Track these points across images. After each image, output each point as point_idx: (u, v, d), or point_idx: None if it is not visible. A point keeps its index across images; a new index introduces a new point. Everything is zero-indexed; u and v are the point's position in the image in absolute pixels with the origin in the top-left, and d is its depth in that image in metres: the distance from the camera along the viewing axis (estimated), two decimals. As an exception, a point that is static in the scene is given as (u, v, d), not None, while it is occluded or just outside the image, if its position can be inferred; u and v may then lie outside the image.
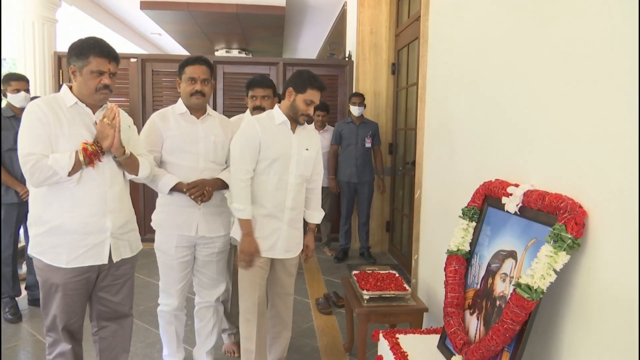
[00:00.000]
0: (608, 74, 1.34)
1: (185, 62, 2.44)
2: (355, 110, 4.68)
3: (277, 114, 2.36)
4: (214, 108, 5.51)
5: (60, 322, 2.00)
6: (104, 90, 1.95)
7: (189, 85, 2.40)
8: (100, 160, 1.94)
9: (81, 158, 1.87)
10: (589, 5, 1.43)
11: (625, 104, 1.26)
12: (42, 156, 1.83)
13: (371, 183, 4.85)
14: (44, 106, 1.88)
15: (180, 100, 2.48)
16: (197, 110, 2.47)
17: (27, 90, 3.55)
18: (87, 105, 1.98)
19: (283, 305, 2.59)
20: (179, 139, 2.42)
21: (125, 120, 2.12)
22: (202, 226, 2.46)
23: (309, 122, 2.50)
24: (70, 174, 1.87)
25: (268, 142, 2.30)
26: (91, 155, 1.90)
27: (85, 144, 1.89)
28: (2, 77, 3.52)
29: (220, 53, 10.25)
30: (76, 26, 6.98)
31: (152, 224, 2.51)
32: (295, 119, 2.35)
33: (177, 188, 2.37)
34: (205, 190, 2.37)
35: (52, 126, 1.87)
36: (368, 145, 4.74)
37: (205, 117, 2.50)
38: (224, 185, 2.46)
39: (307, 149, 2.40)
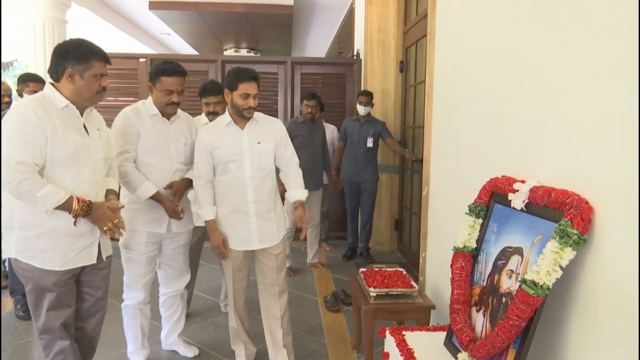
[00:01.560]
0: (615, 69, 1.33)
1: (161, 72, 2.42)
2: (361, 109, 4.65)
3: (224, 117, 2.51)
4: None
5: (57, 320, 1.98)
6: (103, 92, 2.00)
7: (165, 96, 2.44)
8: (82, 217, 1.93)
9: (75, 207, 1.88)
10: (594, 4, 1.42)
11: (632, 99, 1.25)
12: (34, 169, 1.80)
13: (373, 183, 4.79)
14: (39, 110, 1.83)
15: (150, 100, 2.50)
16: (169, 113, 2.54)
17: None
18: (76, 108, 1.97)
19: (269, 296, 2.64)
20: (153, 139, 2.47)
21: (98, 121, 2.13)
22: (174, 223, 2.57)
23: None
24: (47, 211, 1.85)
25: (218, 146, 2.45)
26: (82, 211, 1.90)
27: (84, 201, 1.90)
28: (19, 78, 3.57)
29: (229, 52, 10.29)
30: (85, 26, 7.05)
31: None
32: (242, 116, 2.45)
33: (155, 197, 2.44)
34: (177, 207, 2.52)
35: (48, 131, 1.83)
36: (370, 145, 4.67)
37: (175, 118, 2.57)
38: (191, 184, 2.57)
39: (259, 142, 2.49)
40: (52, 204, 1.83)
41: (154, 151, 2.47)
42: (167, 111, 2.49)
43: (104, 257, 2.12)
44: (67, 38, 5.48)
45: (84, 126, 2.00)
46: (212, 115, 3.04)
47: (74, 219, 1.92)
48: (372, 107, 4.74)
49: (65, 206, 1.86)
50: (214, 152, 2.45)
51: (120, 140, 2.40)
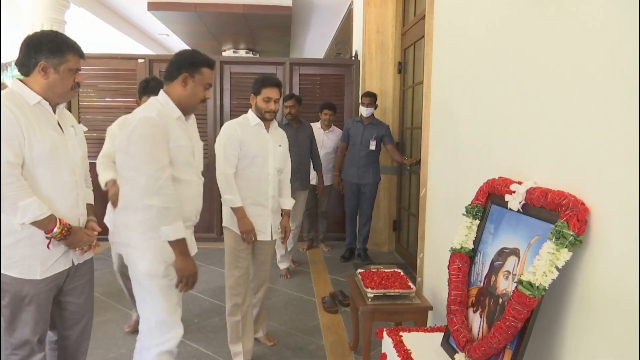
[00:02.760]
0: (612, 71, 1.33)
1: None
2: (363, 110, 4.65)
3: (251, 117, 2.74)
4: (221, 109, 5.55)
5: (35, 335, 1.84)
6: (77, 88, 1.90)
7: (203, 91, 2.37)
8: (57, 240, 1.81)
9: (57, 229, 1.77)
10: (590, 6, 1.42)
11: (628, 101, 1.25)
12: (19, 171, 1.70)
13: (374, 185, 4.79)
14: (12, 106, 1.71)
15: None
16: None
17: None
18: (49, 104, 1.85)
19: (260, 281, 2.94)
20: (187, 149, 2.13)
21: (71, 118, 2.01)
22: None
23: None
24: (23, 224, 1.73)
25: (248, 141, 2.66)
26: (60, 234, 1.80)
27: (65, 225, 1.80)
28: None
29: (228, 53, 10.30)
30: (84, 27, 7.05)
31: (140, 248, 2.00)
32: (264, 118, 2.72)
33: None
34: None
35: (24, 128, 1.71)
36: (372, 147, 4.65)
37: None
38: None
39: (280, 145, 2.82)
40: (32, 217, 1.71)
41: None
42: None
43: (83, 260, 2.01)
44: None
45: (58, 124, 1.88)
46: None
47: (48, 240, 1.80)
48: (375, 108, 4.72)
49: (44, 223, 1.75)
50: (242, 146, 2.64)
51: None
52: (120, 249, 2.03)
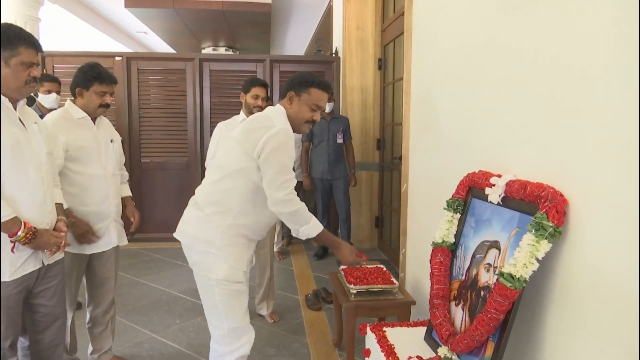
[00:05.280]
0: (589, 64, 1.34)
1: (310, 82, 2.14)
2: (327, 106, 4.64)
3: (240, 115, 3.21)
4: (201, 107, 5.48)
5: (6, 339, 1.79)
6: (33, 82, 1.80)
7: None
8: (21, 243, 1.75)
9: (21, 233, 1.71)
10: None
11: (605, 93, 1.27)
12: None
13: (345, 178, 4.80)
14: None
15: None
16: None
17: (59, 92, 3.51)
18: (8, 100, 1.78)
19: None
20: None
21: (33, 115, 1.96)
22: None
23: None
24: None
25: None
26: (25, 238, 1.74)
27: (30, 228, 1.74)
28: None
29: (207, 51, 10.21)
30: (59, 24, 6.91)
31: (221, 250, 1.96)
32: (252, 113, 3.03)
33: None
34: None
35: None
36: (340, 141, 4.70)
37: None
38: None
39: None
40: None
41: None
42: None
43: (54, 260, 1.96)
44: (40, 36, 5.39)
45: (20, 120, 1.81)
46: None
47: (12, 244, 1.74)
48: (334, 102, 4.79)
49: (7, 226, 1.69)
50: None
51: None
52: (194, 256, 2.00)
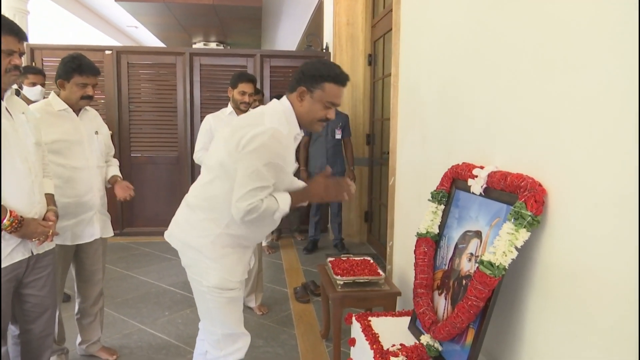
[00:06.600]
0: (568, 56, 1.38)
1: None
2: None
3: (227, 109, 3.23)
4: (191, 101, 5.47)
5: None
6: (15, 71, 1.76)
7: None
8: (7, 232, 1.75)
9: (6, 222, 1.70)
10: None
11: (584, 85, 1.30)
12: None
13: (342, 174, 4.83)
14: None
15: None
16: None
17: (43, 85, 3.49)
18: None
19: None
20: None
21: (21, 105, 1.95)
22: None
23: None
24: None
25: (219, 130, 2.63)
26: (11, 226, 1.73)
27: (15, 217, 1.74)
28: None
29: (198, 46, 10.18)
30: (48, 17, 6.86)
31: (213, 260, 1.86)
32: (239, 109, 3.18)
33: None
34: None
35: None
36: (338, 136, 4.73)
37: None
38: None
39: None
40: None
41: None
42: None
43: (44, 249, 1.96)
44: (28, 29, 5.35)
45: (7, 110, 1.79)
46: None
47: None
48: None
49: None
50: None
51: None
52: (186, 260, 1.90)
